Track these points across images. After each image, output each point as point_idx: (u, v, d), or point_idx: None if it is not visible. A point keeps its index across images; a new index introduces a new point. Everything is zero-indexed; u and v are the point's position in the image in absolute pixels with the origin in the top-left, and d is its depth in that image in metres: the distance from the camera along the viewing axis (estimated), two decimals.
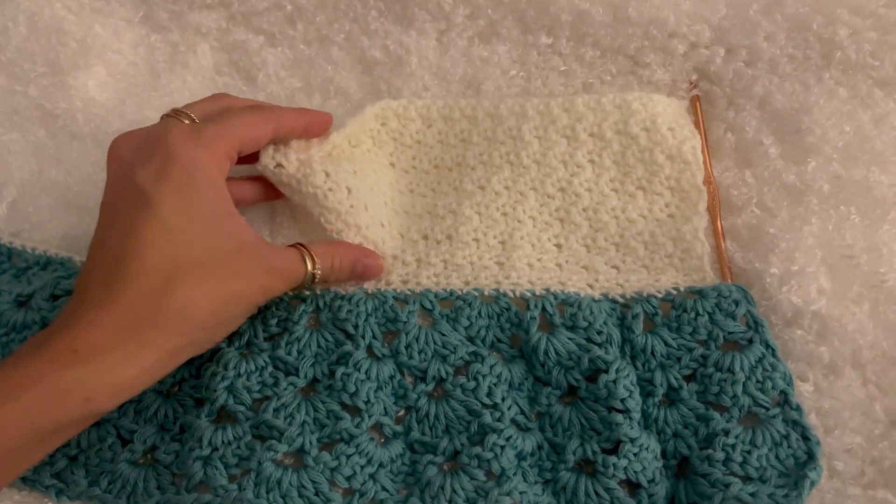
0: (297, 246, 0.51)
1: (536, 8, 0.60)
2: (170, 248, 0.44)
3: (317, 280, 0.51)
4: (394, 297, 0.52)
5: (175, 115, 0.49)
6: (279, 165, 0.53)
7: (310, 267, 0.50)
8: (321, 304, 0.52)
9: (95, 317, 0.42)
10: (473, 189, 0.57)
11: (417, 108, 0.59)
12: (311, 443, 0.47)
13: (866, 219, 0.54)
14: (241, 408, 0.48)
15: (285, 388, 0.49)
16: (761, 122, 0.58)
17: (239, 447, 0.47)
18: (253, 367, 0.50)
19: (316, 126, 0.54)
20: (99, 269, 0.44)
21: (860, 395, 0.50)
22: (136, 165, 0.46)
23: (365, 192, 0.55)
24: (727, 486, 0.45)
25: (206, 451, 0.47)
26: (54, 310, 0.52)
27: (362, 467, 0.47)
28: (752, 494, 0.45)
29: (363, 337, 0.50)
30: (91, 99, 0.61)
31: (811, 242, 0.54)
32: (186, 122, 0.49)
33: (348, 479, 0.47)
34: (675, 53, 0.59)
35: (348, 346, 0.50)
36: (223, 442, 0.47)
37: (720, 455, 0.46)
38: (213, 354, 0.51)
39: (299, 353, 0.50)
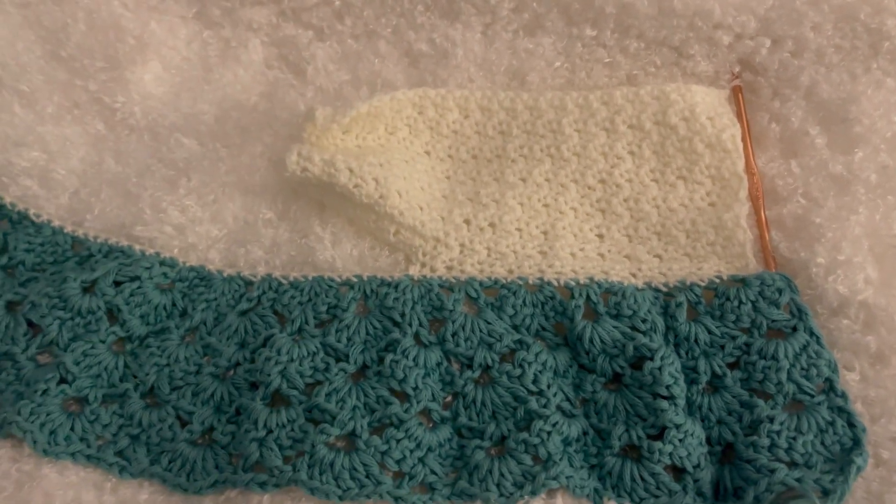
0: None
1: (581, 1, 0.60)
2: None
3: None
4: (439, 285, 0.53)
5: None
6: (305, 169, 0.55)
7: None
8: (368, 290, 0.53)
9: None
10: (515, 181, 0.58)
11: (455, 98, 0.60)
12: (362, 427, 0.48)
13: None
14: (295, 391, 0.50)
15: (336, 374, 0.50)
16: (807, 112, 0.58)
17: (293, 430, 0.49)
18: (305, 353, 0.51)
19: None
20: None
21: None
22: None
23: (396, 179, 0.56)
24: (773, 471, 0.46)
25: (262, 433, 0.49)
26: (117, 295, 0.54)
27: (412, 451, 0.48)
28: (798, 480, 0.45)
29: (410, 325, 0.51)
30: (148, 93, 0.63)
31: (858, 232, 0.54)
32: None
33: (398, 462, 0.48)
34: (720, 45, 0.59)
35: (396, 334, 0.51)
36: (278, 424, 0.49)
37: (765, 441, 0.47)
38: (266, 340, 0.52)
39: (349, 339, 0.52)
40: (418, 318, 0.52)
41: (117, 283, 0.54)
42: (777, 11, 0.59)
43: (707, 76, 0.60)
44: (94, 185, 0.60)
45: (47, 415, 0.51)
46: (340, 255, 0.56)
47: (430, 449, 0.48)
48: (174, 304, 0.55)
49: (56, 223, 0.59)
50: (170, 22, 0.64)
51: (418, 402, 0.49)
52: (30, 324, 0.54)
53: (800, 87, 0.59)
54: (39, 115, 0.62)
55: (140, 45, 0.62)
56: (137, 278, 0.54)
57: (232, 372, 0.53)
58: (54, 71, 0.63)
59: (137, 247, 0.57)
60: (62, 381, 0.52)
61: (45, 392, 0.51)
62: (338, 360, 0.51)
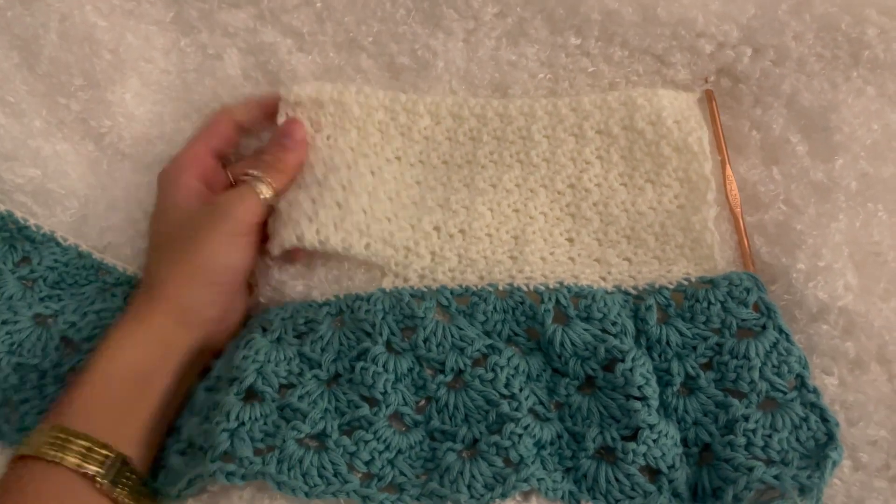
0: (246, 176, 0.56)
1: (566, 7, 0.60)
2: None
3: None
4: (411, 295, 0.53)
5: None
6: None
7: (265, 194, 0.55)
8: (343, 306, 0.54)
9: None
10: (485, 187, 0.58)
11: (427, 104, 0.60)
12: (332, 427, 0.48)
13: (894, 216, 0.54)
14: (269, 389, 0.50)
15: (310, 379, 0.51)
16: (788, 120, 0.58)
17: (265, 424, 0.49)
18: (282, 357, 0.51)
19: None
20: None
21: (885, 389, 0.50)
22: None
23: (359, 197, 0.56)
24: (751, 469, 0.46)
25: (234, 425, 0.48)
26: None
27: (380, 453, 0.48)
28: (775, 477, 0.45)
29: (381, 334, 0.51)
30: (131, 114, 0.62)
31: (838, 239, 0.53)
32: None
33: (367, 463, 0.47)
34: (702, 53, 0.60)
35: (367, 343, 0.51)
36: (250, 418, 0.49)
37: (742, 440, 0.47)
38: (246, 342, 0.52)
39: (323, 349, 0.52)
40: (389, 327, 0.52)
41: None
42: (759, 21, 0.59)
43: (687, 85, 0.60)
44: (94, 207, 0.60)
45: None
46: (316, 283, 0.56)
47: (399, 451, 0.48)
48: None
49: (84, 247, 0.60)
50: (146, 31, 0.63)
51: (388, 406, 0.49)
52: (63, 340, 0.55)
53: (781, 95, 0.59)
54: (27, 128, 0.60)
55: (118, 62, 0.61)
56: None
57: (219, 382, 0.53)
58: (35, 83, 0.62)
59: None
60: None
61: None
62: (311, 367, 0.51)
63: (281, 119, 0.59)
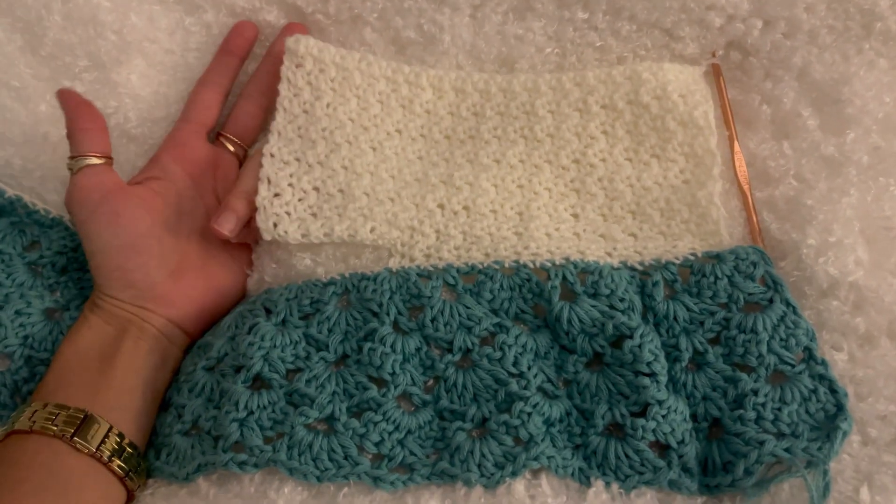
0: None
1: None
2: None
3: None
4: (417, 274, 0.53)
5: None
6: (278, 224, 0.56)
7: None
8: (349, 286, 0.53)
9: None
10: (489, 162, 0.58)
11: (430, 77, 0.60)
12: (340, 410, 0.49)
13: None
14: (276, 376, 0.50)
15: (317, 362, 0.51)
16: (799, 93, 0.58)
17: (274, 411, 0.49)
18: (287, 341, 0.51)
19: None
20: None
21: (895, 364, 0.49)
22: None
23: (361, 178, 0.56)
24: (761, 443, 0.45)
25: (243, 414, 0.49)
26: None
27: (390, 433, 0.48)
28: (786, 450, 0.45)
29: (388, 314, 0.51)
30: (137, 95, 0.62)
31: (849, 214, 0.53)
32: None
33: (377, 444, 0.48)
34: (711, 27, 0.59)
35: (374, 324, 0.51)
36: (259, 406, 0.49)
37: (752, 414, 0.47)
38: (251, 328, 0.52)
39: (329, 330, 0.52)
40: (396, 307, 0.52)
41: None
42: None
43: (695, 59, 0.60)
44: None
45: None
46: (323, 260, 0.56)
47: (409, 431, 0.48)
48: None
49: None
50: (149, 11, 0.62)
51: (396, 387, 0.49)
52: None
53: (792, 68, 0.58)
54: (34, 113, 0.61)
55: (122, 43, 0.61)
56: None
57: (219, 365, 0.53)
58: (40, 66, 0.62)
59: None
60: None
61: None
62: (319, 349, 0.51)
63: (285, 71, 0.59)
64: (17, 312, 0.55)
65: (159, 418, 0.53)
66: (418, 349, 0.51)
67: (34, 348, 0.54)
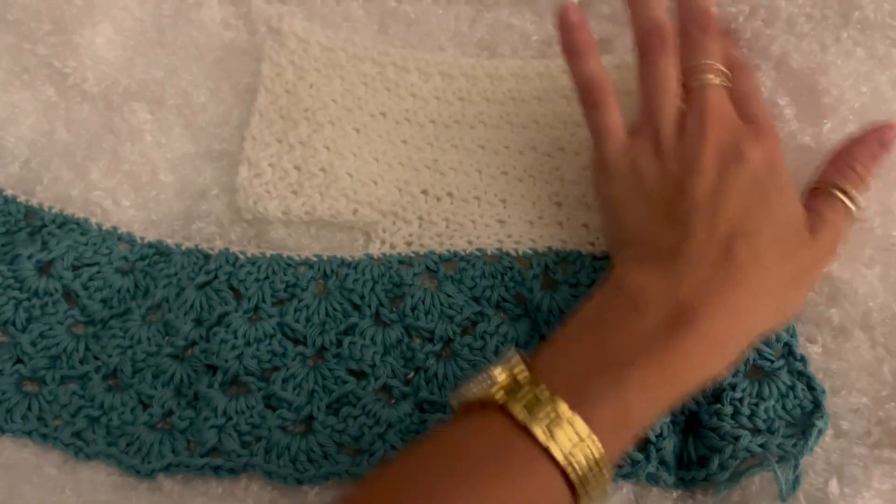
0: None
1: None
2: None
3: None
4: (399, 261, 0.52)
5: None
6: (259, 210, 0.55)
7: None
8: (328, 270, 0.53)
9: None
10: (474, 147, 0.57)
11: (416, 60, 0.59)
12: (319, 409, 0.48)
13: (880, 181, 0.53)
14: (252, 378, 0.50)
15: (294, 359, 0.50)
16: (777, 82, 0.57)
17: (252, 416, 0.49)
18: (262, 335, 0.51)
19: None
20: None
21: (868, 356, 0.50)
22: None
23: (344, 159, 0.56)
24: (737, 438, 0.46)
25: (221, 421, 0.48)
26: (75, 279, 0.53)
27: (370, 427, 0.48)
28: (761, 446, 0.45)
29: (369, 306, 0.51)
30: (100, 57, 0.60)
31: None
32: None
33: (356, 439, 0.47)
34: None
35: (355, 318, 0.51)
36: (237, 411, 0.49)
37: (728, 409, 0.47)
38: (220, 318, 0.51)
39: (307, 320, 0.51)
40: (378, 298, 0.51)
41: (75, 268, 0.53)
42: None
43: None
44: (44, 155, 0.58)
45: (3, 393, 0.50)
46: (293, 232, 0.56)
47: (389, 425, 0.48)
48: (136, 286, 0.54)
49: (8, 192, 0.57)
50: None
51: (376, 380, 0.49)
52: None
53: (770, 56, 0.58)
54: None
55: (89, 7, 0.60)
56: (96, 263, 0.53)
57: (189, 351, 0.52)
58: (2, 35, 0.60)
59: (94, 220, 0.55)
60: (18, 361, 0.51)
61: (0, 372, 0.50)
62: (296, 342, 0.51)
63: (268, 50, 0.58)
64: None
65: (114, 398, 0.51)
66: (399, 340, 0.51)
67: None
